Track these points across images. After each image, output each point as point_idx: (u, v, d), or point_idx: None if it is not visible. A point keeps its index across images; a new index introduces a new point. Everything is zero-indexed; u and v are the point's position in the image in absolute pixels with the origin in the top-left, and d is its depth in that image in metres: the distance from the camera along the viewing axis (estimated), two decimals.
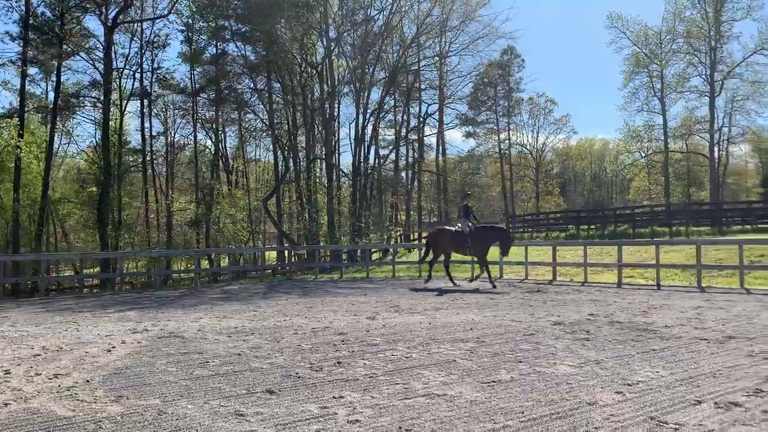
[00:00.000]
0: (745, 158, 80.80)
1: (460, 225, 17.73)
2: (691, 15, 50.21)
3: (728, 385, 5.58)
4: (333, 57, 39.08)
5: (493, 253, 18.87)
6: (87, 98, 40.35)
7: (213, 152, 45.63)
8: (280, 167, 43.71)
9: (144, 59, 41.09)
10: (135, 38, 40.30)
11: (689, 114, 55.35)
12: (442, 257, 18.45)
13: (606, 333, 8.59)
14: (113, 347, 8.11)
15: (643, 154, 57.79)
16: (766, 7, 61.56)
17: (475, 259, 18.49)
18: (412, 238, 46.11)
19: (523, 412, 4.78)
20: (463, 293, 15.62)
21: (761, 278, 16.41)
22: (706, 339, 7.98)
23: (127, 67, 40.10)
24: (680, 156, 59.98)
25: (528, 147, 71.71)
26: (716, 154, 52.81)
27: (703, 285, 15.84)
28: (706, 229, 30.24)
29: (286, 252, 40.86)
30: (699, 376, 5.95)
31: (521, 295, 14.62)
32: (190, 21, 41.46)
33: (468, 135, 63.06)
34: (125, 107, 40.13)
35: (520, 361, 6.72)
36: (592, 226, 34.81)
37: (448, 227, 18.62)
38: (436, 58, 48.93)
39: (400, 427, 4.45)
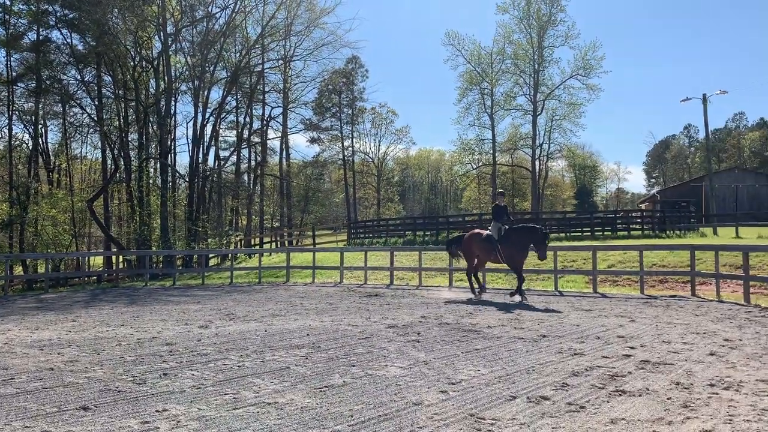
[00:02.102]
0: (561, 172, 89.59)
1: (490, 229, 15.05)
2: (518, 39, 54.68)
3: (540, 380, 6.07)
4: (170, 52, 37.25)
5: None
6: None
7: (31, 147, 41.35)
8: (109, 166, 40.71)
9: None
10: None
11: (515, 130, 60.29)
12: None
13: (435, 334, 8.99)
14: None
15: (474, 166, 61.81)
16: (581, 37, 68.89)
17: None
18: (253, 243, 45.20)
19: (352, 416, 4.83)
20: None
21: (572, 281, 18.16)
22: (523, 338, 8.63)
23: None
24: (506, 169, 65.02)
25: (370, 155, 73.65)
26: (537, 168, 57.89)
27: (523, 287, 17.14)
28: None
29: (113, 257, 38.15)
30: (515, 372, 6.40)
31: (359, 300, 14.87)
32: (7, 1, 37.40)
33: (313, 140, 63.42)
34: None
35: (354, 365, 6.81)
36: (428, 233, 36.41)
37: (478, 231, 15.78)
38: (281, 62, 48.59)
39: None
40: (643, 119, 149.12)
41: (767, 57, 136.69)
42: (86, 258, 31.82)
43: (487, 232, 15.10)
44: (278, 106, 52.49)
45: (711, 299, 13.79)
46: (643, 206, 67.01)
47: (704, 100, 38.26)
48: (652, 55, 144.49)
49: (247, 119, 49.43)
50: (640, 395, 5.43)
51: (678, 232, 31.31)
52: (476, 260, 15.41)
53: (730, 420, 4.66)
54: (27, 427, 4.63)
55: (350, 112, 65.32)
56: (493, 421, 4.68)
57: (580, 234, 32.54)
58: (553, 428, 4.51)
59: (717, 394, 5.45)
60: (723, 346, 7.83)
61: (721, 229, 31.36)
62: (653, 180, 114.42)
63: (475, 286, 15.38)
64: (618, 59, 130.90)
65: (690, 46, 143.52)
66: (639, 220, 35.28)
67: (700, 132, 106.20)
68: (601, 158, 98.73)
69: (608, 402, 5.22)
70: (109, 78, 38.46)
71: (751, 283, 13.52)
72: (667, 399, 5.28)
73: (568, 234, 32.61)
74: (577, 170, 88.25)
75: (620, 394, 5.46)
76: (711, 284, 15.31)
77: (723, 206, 53.07)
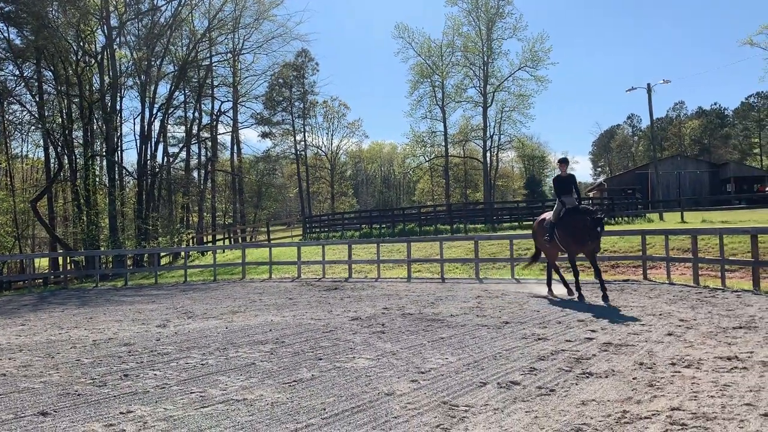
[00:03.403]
0: (512, 163, 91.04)
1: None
2: (467, 31, 55.09)
3: (508, 365, 6.11)
4: (115, 46, 36.10)
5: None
6: None
7: None
8: (52, 165, 39.28)
9: None
10: None
11: (466, 122, 60.87)
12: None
13: (399, 325, 8.98)
14: None
15: (427, 158, 62.12)
16: (529, 29, 70.03)
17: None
18: (205, 240, 44.36)
19: (325, 409, 4.77)
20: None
21: (528, 268, 18.41)
22: (486, 325, 8.70)
23: None
24: (458, 160, 65.64)
25: (323, 149, 73.25)
26: (488, 159, 58.64)
27: (480, 276, 17.36)
28: (481, 226, 33.28)
29: (60, 259, 36.87)
30: (483, 359, 6.44)
31: (319, 294, 14.76)
32: None
33: (264, 135, 62.58)
34: None
35: (321, 359, 6.73)
36: (384, 225, 36.43)
37: (545, 215, 13.18)
38: (230, 55, 47.73)
39: None
40: (588, 110, 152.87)
41: (707, 46, 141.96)
42: (31, 260, 30.66)
43: (550, 215, 12.67)
44: (228, 101, 51.62)
45: (662, 282, 14.21)
46: (591, 194, 68.64)
47: (649, 89, 39.39)
48: (596, 46, 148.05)
49: (197, 114, 48.40)
50: (606, 376, 5.52)
51: (626, 218, 32.20)
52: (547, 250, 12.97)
53: (695, 396, 4.79)
54: None
55: (301, 105, 64.75)
56: (467, 408, 4.69)
57: (532, 222, 33.01)
58: (526, 412, 4.54)
59: (679, 372, 5.59)
60: (679, 326, 8.06)
61: (667, 214, 32.38)
62: (599, 169, 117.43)
63: (558, 278, 13.02)
64: (564, 50, 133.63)
65: (631, 37, 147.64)
66: None
67: (642, 121, 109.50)
68: (549, 148, 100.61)
69: (577, 384, 5.30)
70: (51, 73, 36.99)
71: (700, 265, 13.99)
72: (633, 379, 5.39)
73: (520, 223, 33.12)
74: (527, 161, 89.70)
75: (587, 376, 5.55)
76: (662, 268, 15.77)
77: (667, 193, 54.87)
